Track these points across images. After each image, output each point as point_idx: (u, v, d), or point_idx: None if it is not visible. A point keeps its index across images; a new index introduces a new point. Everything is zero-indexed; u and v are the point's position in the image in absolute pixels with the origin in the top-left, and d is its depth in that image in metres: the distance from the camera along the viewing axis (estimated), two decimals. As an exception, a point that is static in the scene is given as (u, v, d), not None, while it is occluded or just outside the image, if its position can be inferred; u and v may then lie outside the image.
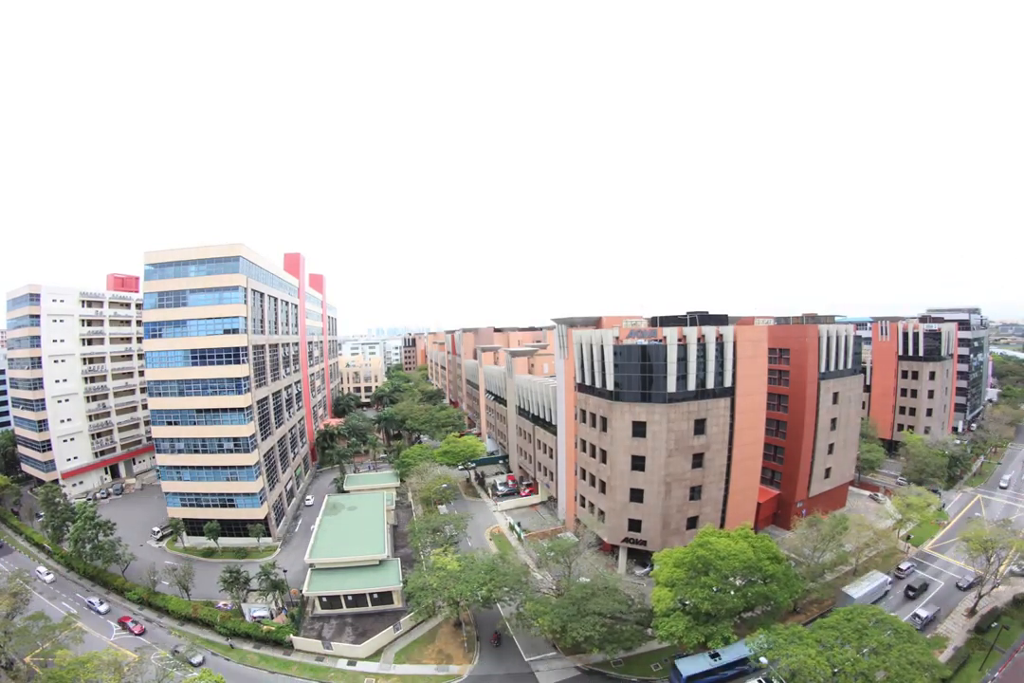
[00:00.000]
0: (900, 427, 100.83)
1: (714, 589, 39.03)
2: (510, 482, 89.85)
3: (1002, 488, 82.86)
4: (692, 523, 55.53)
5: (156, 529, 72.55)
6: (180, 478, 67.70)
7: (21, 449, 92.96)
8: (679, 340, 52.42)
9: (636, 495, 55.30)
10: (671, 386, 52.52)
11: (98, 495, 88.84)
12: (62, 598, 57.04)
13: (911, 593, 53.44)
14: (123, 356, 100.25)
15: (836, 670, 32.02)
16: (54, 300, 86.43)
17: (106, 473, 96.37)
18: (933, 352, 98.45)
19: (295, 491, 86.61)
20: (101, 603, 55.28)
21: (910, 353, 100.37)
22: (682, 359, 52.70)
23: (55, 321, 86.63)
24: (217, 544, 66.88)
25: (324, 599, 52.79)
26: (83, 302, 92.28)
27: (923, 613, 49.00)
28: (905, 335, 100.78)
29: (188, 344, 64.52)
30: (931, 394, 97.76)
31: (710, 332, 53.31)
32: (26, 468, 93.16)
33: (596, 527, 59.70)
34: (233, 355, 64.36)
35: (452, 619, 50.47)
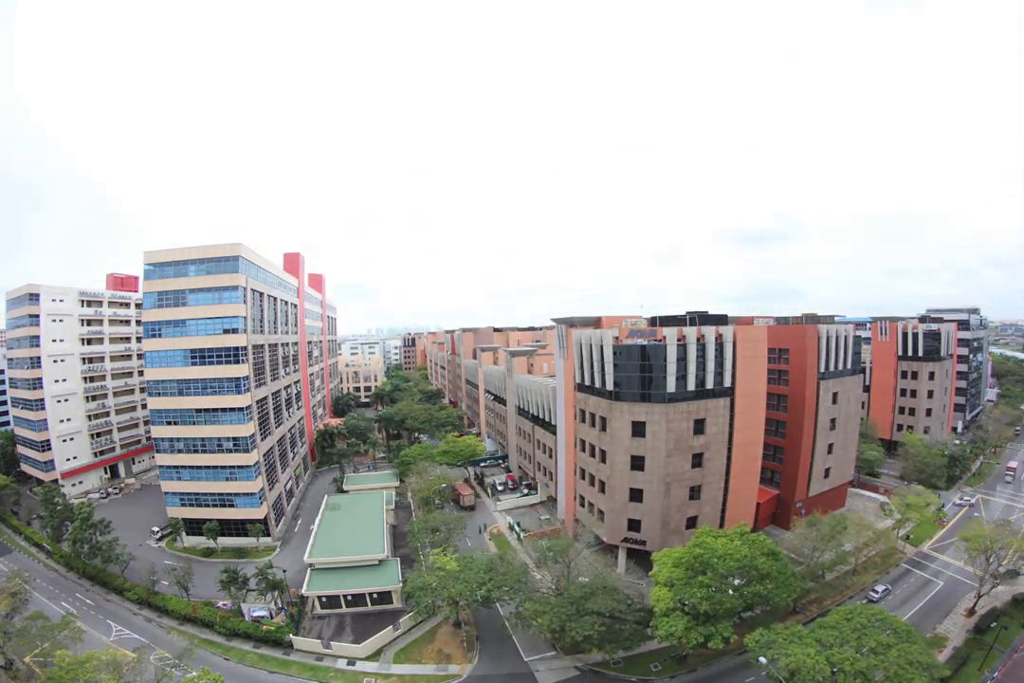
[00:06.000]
0: (900, 427, 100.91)
1: (712, 589, 39.06)
2: (510, 482, 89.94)
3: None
4: (692, 523, 55.51)
5: (155, 529, 72.55)
6: (179, 478, 67.67)
7: (20, 449, 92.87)
8: (678, 340, 52.42)
9: (635, 495, 55.29)
10: (671, 386, 52.51)
11: (97, 495, 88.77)
12: (61, 598, 57.04)
13: None
14: (122, 356, 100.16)
15: (835, 669, 32.05)
16: (53, 300, 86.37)
17: (105, 473, 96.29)
18: (932, 352, 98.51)
19: (294, 491, 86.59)
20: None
21: (909, 353, 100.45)
22: (681, 359, 52.69)
23: (54, 321, 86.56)
24: (216, 544, 66.82)
25: (323, 599, 52.79)
26: (82, 302, 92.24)
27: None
28: (904, 335, 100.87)
29: (188, 344, 64.46)
30: (930, 394, 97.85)
31: (709, 332, 53.32)
32: (25, 468, 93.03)
33: (596, 527, 59.69)
34: (232, 355, 64.32)
35: (451, 619, 50.45)
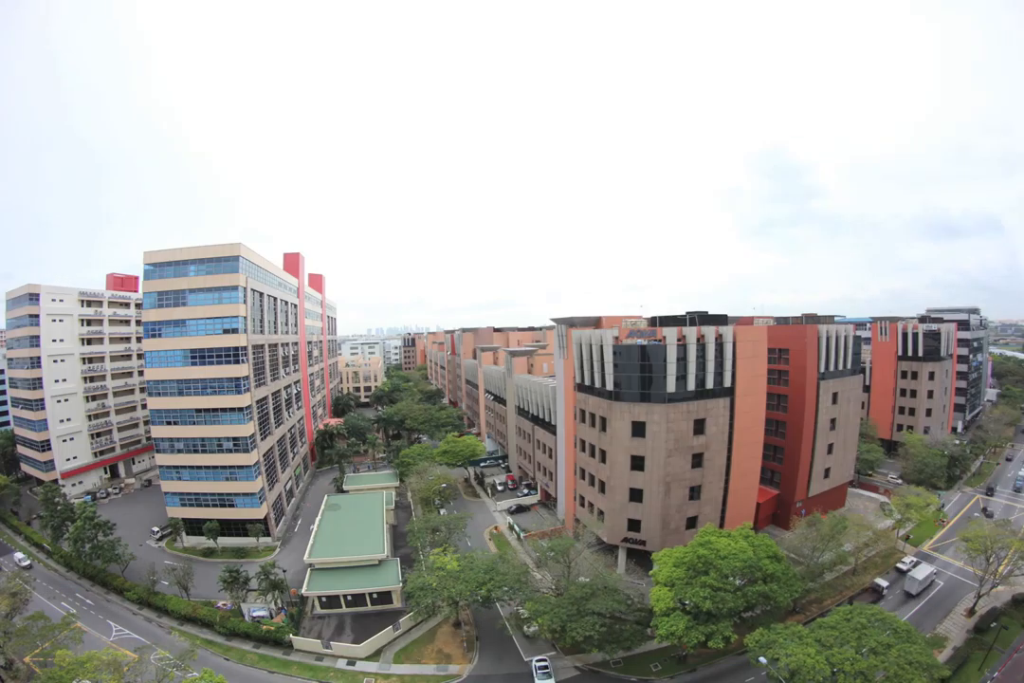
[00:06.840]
0: (900, 427, 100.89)
1: (714, 589, 39.05)
2: (510, 482, 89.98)
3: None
4: (691, 523, 55.49)
5: (155, 529, 72.56)
6: (179, 478, 67.71)
7: (20, 449, 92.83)
8: (678, 340, 52.38)
9: (635, 495, 55.24)
10: (670, 386, 52.48)
11: (97, 495, 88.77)
12: (61, 597, 57.02)
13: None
14: (122, 356, 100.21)
15: (835, 670, 32.05)
16: (53, 300, 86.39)
17: (105, 473, 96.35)
18: (932, 352, 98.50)
19: (294, 491, 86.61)
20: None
21: (909, 353, 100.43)
22: (681, 359, 52.64)
23: (54, 321, 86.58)
24: (216, 544, 66.84)
25: (323, 599, 52.80)
26: (82, 302, 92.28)
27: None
28: (904, 335, 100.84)
29: (187, 344, 64.50)
30: (930, 394, 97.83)
31: (709, 332, 53.28)
32: (25, 468, 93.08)
33: (595, 527, 59.68)
34: (232, 355, 64.34)
35: (451, 619, 50.49)
